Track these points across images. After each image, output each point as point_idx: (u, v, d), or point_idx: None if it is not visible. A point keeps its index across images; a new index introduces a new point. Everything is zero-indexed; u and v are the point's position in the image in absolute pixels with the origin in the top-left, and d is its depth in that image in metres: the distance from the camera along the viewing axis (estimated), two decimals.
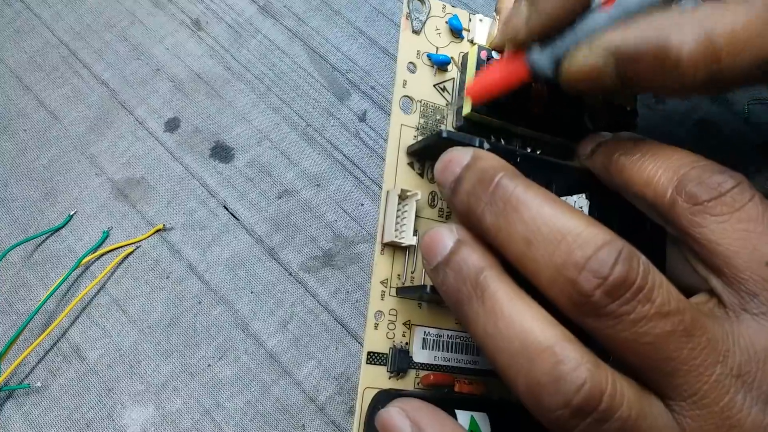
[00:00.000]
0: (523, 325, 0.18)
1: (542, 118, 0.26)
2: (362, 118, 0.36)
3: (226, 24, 0.39)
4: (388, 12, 0.38)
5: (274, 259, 0.33)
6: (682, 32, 0.19)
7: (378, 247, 0.24)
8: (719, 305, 0.20)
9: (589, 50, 0.21)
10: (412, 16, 0.27)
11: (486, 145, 0.23)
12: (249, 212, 0.34)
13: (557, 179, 0.24)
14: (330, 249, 0.33)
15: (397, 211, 0.24)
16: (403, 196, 0.24)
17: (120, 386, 0.31)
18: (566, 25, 0.21)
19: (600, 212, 0.24)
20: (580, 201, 0.24)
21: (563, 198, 0.24)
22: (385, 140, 0.25)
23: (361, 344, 0.29)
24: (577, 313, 0.18)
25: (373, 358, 0.24)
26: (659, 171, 0.21)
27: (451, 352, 0.25)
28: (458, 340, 0.25)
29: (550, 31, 0.22)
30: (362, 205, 0.34)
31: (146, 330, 0.32)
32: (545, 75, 0.22)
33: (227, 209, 0.34)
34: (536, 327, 0.18)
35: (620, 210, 0.24)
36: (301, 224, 0.33)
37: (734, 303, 0.19)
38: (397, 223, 0.24)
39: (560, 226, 0.18)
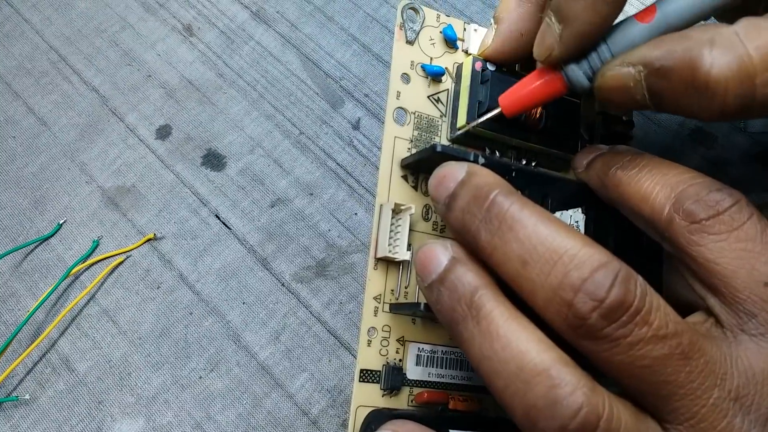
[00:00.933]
0: (519, 346, 0.18)
1: (538, 129, 0.26)
2: (356, 126, 0.35)
3: (218, 30, 0.38)
4: (382, 18, 0.38)
5: (267, 269, 0.32)
6: (713, 50, 0.18)
7: (371, 262, 0.24)
8: (717, 325, 0.19)
9: (620, 63, 0.20)
10: (406, 26, 0.26)
11: (481, 160, 0.22)
12: (241, 221, 0.33)
13: (553, 193, 0.24)
14: (323, 259, 0.32)
15: (391, 225, 0.24)
16: (396, 210, 0.24)
17: (110, 398, 0.30)
18: (599, 38, 0.21)
19: (596, 226, 0.24)
20: (576, 215, 0.24)
21: (559, 212, 0.24)
22: (379, 148, 0.25)
23: (355, 356, 0.29)
24: (572, 335, 0.18)
25: (366, 375, 0.23)
26: (656, 187, 0.21)
27: (446, 368, 0.25)
28: (452, 356, 0.25)
29: (584, 46, 0.21)
30: (356, 214, 0.33)
31: (137, 341, 0.31)
32: (582, 88, 0.22)
33: (219, 218, 0.34)
34: (532, 349, 0.18)
35: (617, 224, 0.23)
36: (294, 234, 0.33)
37: (732, 323, 0.19)
38: (390, 237, 0.24)
39: (556, 245, 0.18)
